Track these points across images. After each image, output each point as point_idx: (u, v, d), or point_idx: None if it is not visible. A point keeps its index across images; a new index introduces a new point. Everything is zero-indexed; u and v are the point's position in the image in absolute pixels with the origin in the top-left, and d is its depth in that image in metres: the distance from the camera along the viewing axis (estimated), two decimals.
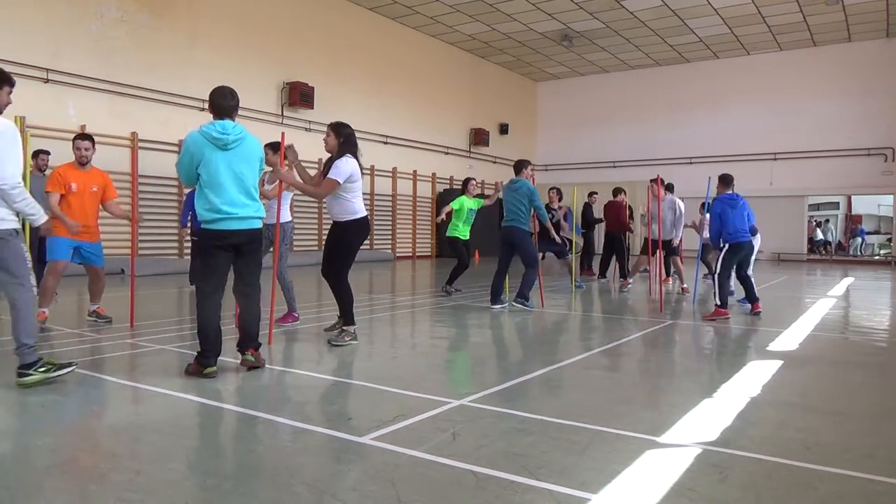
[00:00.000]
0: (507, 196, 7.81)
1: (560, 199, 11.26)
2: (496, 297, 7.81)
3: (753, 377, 4.37)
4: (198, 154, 4.11)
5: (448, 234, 9.44)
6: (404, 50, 19.01)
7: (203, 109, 13.44)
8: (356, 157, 5.23)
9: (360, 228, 5.30)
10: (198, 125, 4.24)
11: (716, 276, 7.29)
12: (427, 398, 3.69)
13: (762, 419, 3.45)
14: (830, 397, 4.06)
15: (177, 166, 4.45)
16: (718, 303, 7.14)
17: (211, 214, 4.11)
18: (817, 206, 25.21)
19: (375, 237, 18.15)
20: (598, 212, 13.20)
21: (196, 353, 4.20)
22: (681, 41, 20.08)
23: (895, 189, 20.17)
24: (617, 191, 11.88)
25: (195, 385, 3.97)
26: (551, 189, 11.31)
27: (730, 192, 7.55)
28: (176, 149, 13.26)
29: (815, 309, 8.27)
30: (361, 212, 5.30)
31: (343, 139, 5.20)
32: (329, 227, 5.48)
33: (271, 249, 5.99)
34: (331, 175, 5.09)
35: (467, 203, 9.31)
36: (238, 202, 4.15)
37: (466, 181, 9.67)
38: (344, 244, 5.29)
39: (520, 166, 8.09)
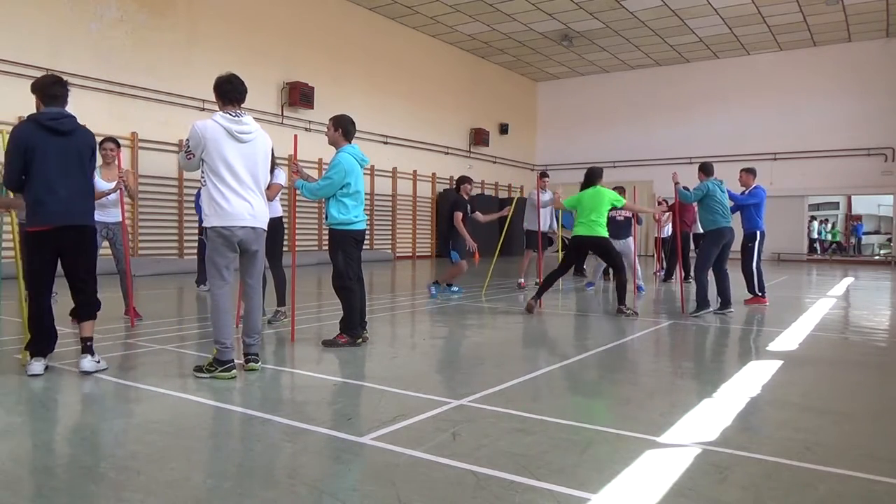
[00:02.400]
0: (722, 196, 7.67)
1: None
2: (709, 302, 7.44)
3: (753, 377, 4.37)
4: (350, 171, 5.18)
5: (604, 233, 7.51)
6: (404, 50, 19.01)
7: (203, 109, 13.45)
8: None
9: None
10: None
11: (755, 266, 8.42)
12: (427, 398, 3.69)
13: (762, 419, 3.45)
14: (830, 397, 4.06)
15: (304, 186, 5.32)
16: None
17: (352, 218, 5.22)
18: (817, 206, 25.23)
19: (375, 237, 18.15)
20: None
21: (345, 328, 5.24)
22: (681, 41, 20.08)
23: (895, 189, 20.18)
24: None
25: (195, 385, 3.97)
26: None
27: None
28: (176, 149, 13.26)
29: (815, 309, 8.27)
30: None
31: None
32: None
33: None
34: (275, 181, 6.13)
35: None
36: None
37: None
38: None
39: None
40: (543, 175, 10.48)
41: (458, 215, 8.92)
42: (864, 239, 26.63)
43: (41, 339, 4.15)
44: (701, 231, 8.18)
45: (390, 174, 18.65)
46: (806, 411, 3.62)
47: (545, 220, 10.21)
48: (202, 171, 4.18)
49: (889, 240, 22.94)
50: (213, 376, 4.07)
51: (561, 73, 24.11)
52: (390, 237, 18.81)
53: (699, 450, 2.90)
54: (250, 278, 4.44)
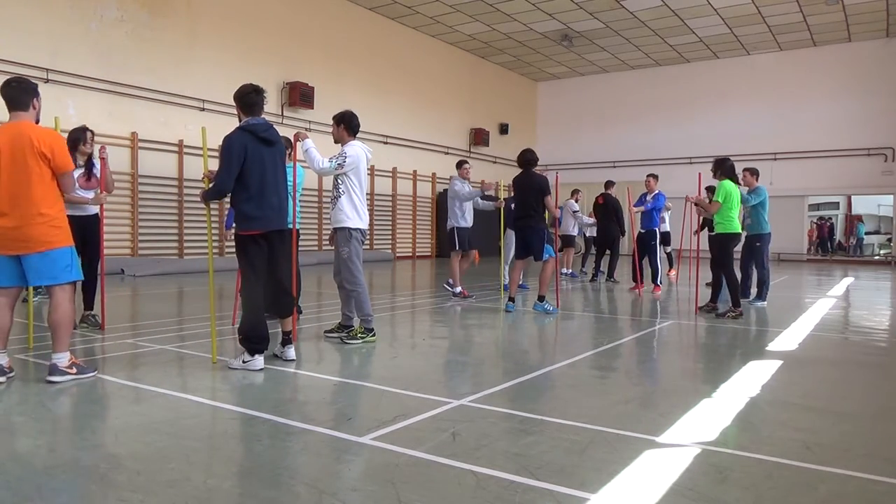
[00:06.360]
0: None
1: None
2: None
3: (753, 377, 4.37)
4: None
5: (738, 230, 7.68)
6: (404, 50, 19.00)
7: (203, 109, 13.45)
8: None
9: None
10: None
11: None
12: (427, 398, 3.69)
13: (762, 419, 3.45)
14: (830, 397, 4.06)
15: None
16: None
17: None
18: (817, 206, 25.22)
19: (375, 237, 18.15)
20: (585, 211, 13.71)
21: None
22: (681, 41, 20.08)
23: (895, 189, 20.18)
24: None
25: (195, 385, 3.97)
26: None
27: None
28: (175, 149, 13.26)
29: (815, 309, 8.27)
30: None
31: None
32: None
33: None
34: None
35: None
36: None
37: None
38: None
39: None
40: (463, 163, 9.45)
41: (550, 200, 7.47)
42: (865, 239, 26.68)
43: (258, 339, 4.35)
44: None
45: (390, 174, 18.65)
46: (806, 411, 3.62)
47: (472, 216, 9.22)
48: (340, 181, 5.28)
49: (889, 240, 22.93)
50: (365, 341, 5.31)
51: (561, 73, 24.10)
52: (390, 237, 18.80)
53: (699, 450, 2.90)
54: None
